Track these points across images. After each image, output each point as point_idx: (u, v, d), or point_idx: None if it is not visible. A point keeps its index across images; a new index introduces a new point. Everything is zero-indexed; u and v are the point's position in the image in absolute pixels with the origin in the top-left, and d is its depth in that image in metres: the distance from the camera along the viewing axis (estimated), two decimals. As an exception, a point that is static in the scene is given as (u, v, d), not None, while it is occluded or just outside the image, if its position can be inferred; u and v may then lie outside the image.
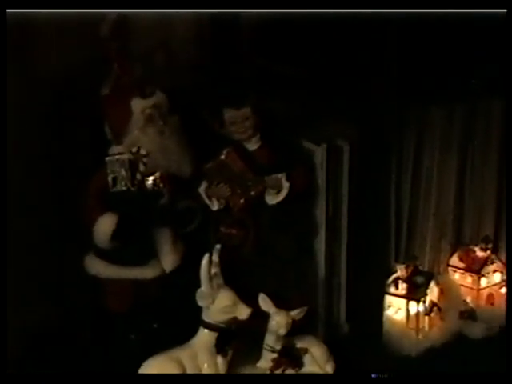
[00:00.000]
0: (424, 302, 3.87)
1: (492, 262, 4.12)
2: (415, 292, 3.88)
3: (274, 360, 3.30)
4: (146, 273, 3.47)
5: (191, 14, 3.85)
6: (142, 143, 3.40)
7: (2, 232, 2.97)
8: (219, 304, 3.16)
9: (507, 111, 3.41)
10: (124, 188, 3.37)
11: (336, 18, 3.51)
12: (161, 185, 3.40)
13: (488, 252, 4.13)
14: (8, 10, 3.01)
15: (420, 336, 3.86)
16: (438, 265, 4.17)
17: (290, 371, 3.31)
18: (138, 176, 3.39)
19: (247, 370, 3.29)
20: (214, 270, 3.17)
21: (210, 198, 3.52)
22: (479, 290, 4.10)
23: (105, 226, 3.34)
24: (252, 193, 3.51)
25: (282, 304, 3.31)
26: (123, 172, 3.36)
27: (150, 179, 3.40)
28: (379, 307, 3.82)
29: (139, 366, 3.16)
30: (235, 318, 3.17)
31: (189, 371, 3.16)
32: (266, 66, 3.90)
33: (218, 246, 3.22)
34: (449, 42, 3.84)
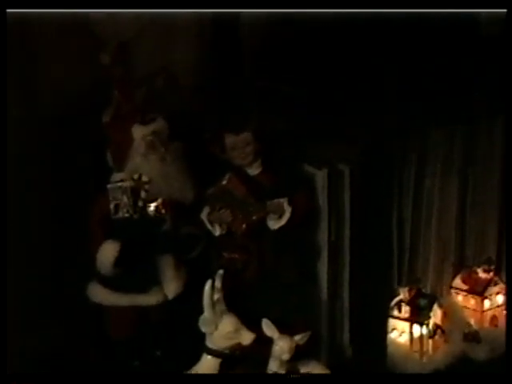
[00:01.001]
0: (427, 324, 3.86)
1: (495, 284, 4.12)
2: (418, 315, 3.87)
3: (278, 385, 3.29)
4: (149, 300, 3.46)
5: (191, 39, 3.87)
6: (143, 170, 3.42)
7: (3, 257, 2.97)
8: (222, 330, 3.16)
9: (507, 113, 3.41)
10: (126, 215, 3.38)
11: (338, 40, 3.54)
12: (163, 211, 3.41)
13: (491, 274, 4.12)
14: (8, 10, 3.02)
15: (424, 359, 3.85)
16: (441, 287, 4.16)
17: (294, 396, 3.30)
18: (140, 203, 3.40)
19: (251, 396, 3.28)
20: (216, 296, 3.17)
21: (212, 223, 3.52)
22: (483, 311, 4.09)
23: (107, 253, 3.35)
24: (254, 217, 3.51)
25: (285, 329, 3.30)
26: (125, 199, 3.37)
27: (152, 206, 3.41)
28: (383, 330, 3.82)
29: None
30: (239, 344, 3.17)
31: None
32: (266, 89, 3.92)
33: (221, 272, 3.22)
34: (450, 60, 3.85)
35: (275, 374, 3.24)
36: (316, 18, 3.41)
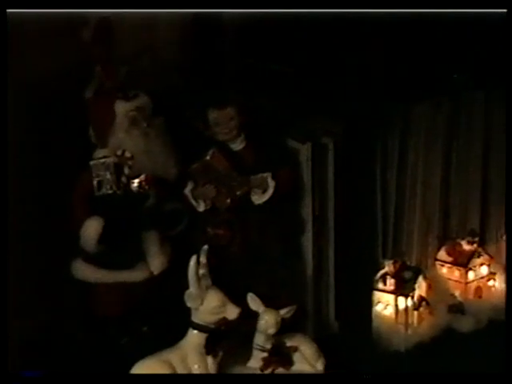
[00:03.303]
0: (412, 297, 3.88)
1: (479, 255, 4.14)
2: (403, 287, 3.89)
3: (264, 359, 3.30)
4: (134, 276, 3.46)
5: (174, 15, 3.84)
6: (126, 146, 3.40)
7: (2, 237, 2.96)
8: (208, 305, 3.16)
9: (507, 110, 3.42)
10: (110, 191, 3.38)
11: (321, 15, 3.52)
12: (146, 187, 3.41)
13: (475, 245, 4.15)
14: (8, 10, 3.00)
15: (409, 331, 3.87)
16: (426, 259, 4.19)
17: (280, 370, 3.32)
18: (124, 179, 3.39)
19: (237, 370, 3.30)
20: (201, 271, 3.17)
21: (196, 199, 3.52)
22: (467, 283, 4.11)
23: (91, 229, 3.34)
24: (238, 193, 3.51)
25: (270, 303, 3.31)
26: (108, 175, 3.36)
27: (136, 182, 3.40)
28: (368, 303, 3.84)
29: (130, 368, 3.16)
30: (224, 319, 3.17)
31: (179, 373, 3.16)
32: (250, 65, 3.90)
33: (206, 247, 3.22)
34: (434, 39, 3.85)
35: (275, 374, 3.25)
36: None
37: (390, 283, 3.91)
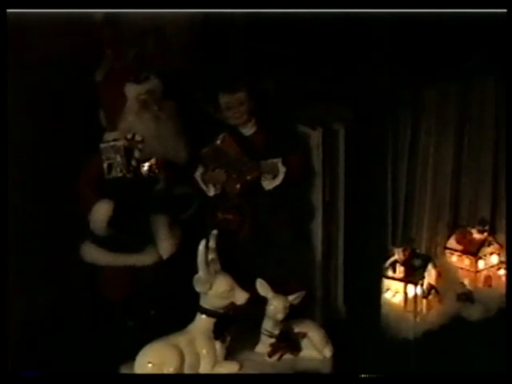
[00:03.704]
0: (422, 284, 3.87)
1: (489, 244, 4.12)
2: (413, 275, 3.88)
3: (272, 345, 3.30)
4: (143, 259, 3.46)
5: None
6: (137, 129, 3.39)
7: (3, 222, 2.96)
8: (217, 289, 3.16)
9: (507, 109, 3.40)
10: (120, 174, 3.37)
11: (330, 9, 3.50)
12: (156, 171, 3.40)
13: (485, 234, 4.13)
14: (8, 10, 2.99)
15: (418, 319, 3.86)
16: (436, 247, 4.17)
17: (288, 356, 3.31)
18: (134, 162, 3.38)
19: (245, 355, 3.29)
20: (211, 256, 3.17)
21: (206, 183, 3.52)
22: (477, 272, 4.10)
23: (101, 212, 3.34)
24: (248, 177, 3.50)
25: (279, 289, 3.31)
26: (118, 158, 3.35)
27: (146, 165, 3.39)
28: (377, 291, 3.83)
29: (137, 352, 3.16)
30: (233, 304, 3.17)
31: (187, 357, 3.16)
32: (261, 49, 3.88)
33: (215, 232, 3.22)
34: (445, 29, 3.83)
35: (275, 375, 3.25)
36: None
37: (400, 271, 3.90)
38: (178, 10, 3.44)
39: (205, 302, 3.19)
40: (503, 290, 4.04)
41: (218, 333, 3.19)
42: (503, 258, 4.15)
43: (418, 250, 3.99)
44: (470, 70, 3.96)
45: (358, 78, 3.64)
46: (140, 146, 3.37)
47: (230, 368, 3.21)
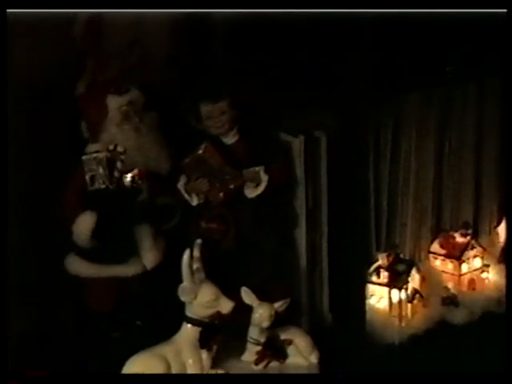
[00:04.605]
0: (406, 289, 3.89)
1: (472, 248, 4.15)
2: (397, 280, 3.90)
3: (258, 352, 3.30)
4: (128, 270, 3.46)
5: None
6: (118, 140, 3.40)
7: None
8: (202, 299, 3.16)
9: (507, 109, 3.42)
10: (102, 186, 3.37)
11: (312, 10, 3.51)
12: (139, 182, 3.40)
13: (468, 238, 4.15)
14: (8, 10, 2.98)
15: (403, 323, 3.88)
16: (419, 252, 4.19)
17: (274, 363, 3.32)
18: (116, 174, 3.38)
19: (231, 363, 3.29)
20: (195, 265, 3.17)
21: (189, 193, 3.52)
22: (460, 275, 4.12)
23: (84, 224, 3.34)
24: (231, 186, 3.51)
25: (264, 296, 3.31)
26: (101, 170, 3.35)
27: (128, 176, 3.39)
28: (362, 296, 3.84)
29: (123, 363, 3.15)
30: (218, 312, 3.17)
31: (173, 367, 3.16)
32: (241, 58, 3.90)
33: (199, 241, 3.22)
34: (431, 37, 3.86)
35: (274, 374, 3.25)
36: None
37: (384, 276, 3.92)
38: (160, 11, 3.45)
39: (190, 312, 3.19)
40: (487, 293, 4.09)
41: (203, 342, 3.19)
42: (486, 262, 4.19)
43: (401, 255, 4.01)
44: (451, 76, 3.98)
45: (338, 85, 3.65)
46: (122, 157, 3.37)
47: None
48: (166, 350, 3.18)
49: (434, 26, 3.78)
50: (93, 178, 3.36)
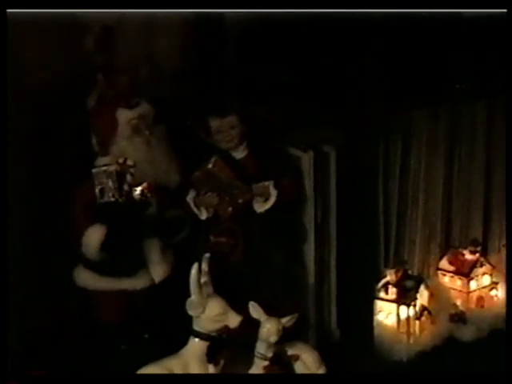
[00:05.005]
0: (414, 306, 3.88)
1: (481, 265, 4.14)
2: (405, 296, 3.89)
3: (265, 368, 3.29)
4: (136, 283, 3.46)
5: (175, 24, 3.85)
6: (128, 154, 3.41)
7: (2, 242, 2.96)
8: (210, 313, 3.15)
9: (508, 112, 3.42)
10: (112, 199, 3.37)
11: (321, 23, 3.53)
12: (148, 195, 3.40)
13: (477, 255, 4.14)
14: (8, 10, 3.00)
15: (411, 340, 3.87)
16: (428, 268, 4.18)
17: (281, 378, 3.31)
18: (126, 187, 3.39)
19: (239, 378, 3.29)
20: (203, 279, 3.17)
21: (198, 206, 3.52)
22: (469, 292, 4.11)
23: (93, 237, 3.34)
24: (240, 201, 3.51)
25: (272, 311, 3.30)
26: (110, 183, 3.36)
27: (138, 189, 3.40)
28: (370, 312, 3.83)
29: (131, 376, 3.16)
30: (226, 327, 3.17)
31: (181, 381, 3.16)
32: (251, 73, 3.91)
33: (208, 255, 3.22)
34: (435, 46, 3.85)
35: (274, 375, 3.25)
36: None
37: (392, 292, 3.91)
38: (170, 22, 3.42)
39: (198, 326, 3.19)
40: (495, 310, 4.07)
41: (211, 356, 3.19)
42: (495, 279, 4.17)
43: (410, 272, 4.00)
44: (460, 93, 3.99)
45: (348, 100, 3.65)
46: (132, 170, 3.38)
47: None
48: (173, 363, 3.17)
49: (438, 31, 3.79)
50: (102, 191, 3.37)
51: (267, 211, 3.51)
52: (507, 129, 3.53)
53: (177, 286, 3.33)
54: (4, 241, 2.98)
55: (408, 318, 3.87)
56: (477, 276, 4.12)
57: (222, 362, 3.21)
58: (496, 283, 4.17)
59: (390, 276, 3.92)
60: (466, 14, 3.25)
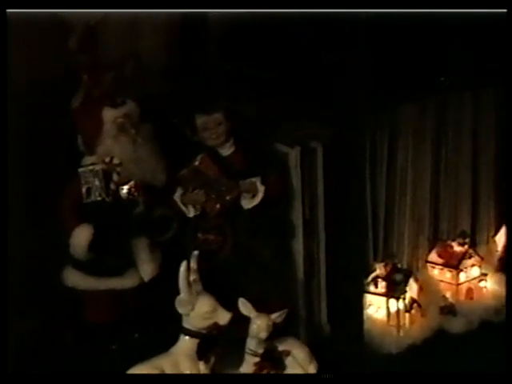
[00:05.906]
0: (404, 299, 3.88)
1: (470, 257, 4.14)
2: (395, 290, 3.89)
3: (256, 364, 3.29)
4: (125, 283, 3.46)
5: (159, 21, 3.84)
6: (114, 153, 3.40)
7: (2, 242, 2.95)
8: (199, 310, 3.16)
9: (508, 111, 3.43)
10: (98, 198, 3.38)
11: (306, 17, 3.52)
12: (135, 194, 3.40)
13: (465, 247, 4.14)
14: (8, 10, 2.99)
15: (401, 333, 3.87)
16: (417, 261, 4.18)
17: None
18: (112, 186, 3.39)
19: (230, 375, 3.29)
20: (192, 277, 3.16)
21: (185, 204, 3.52)
22: (458, 284, 4.11)
23: (81, 237, 3.34)
24: (227, 198, 3.51)
25: (262, 307, 3.30)
26: (97, 182, 3.36)
27: (125, 188, 3.40)
28: (359, 306, 3.83)
29: (121, 376, 3.15)
30: (216, 324, 3.17)
31: (171, 379, 3.16)
32: (236, 69, 3.91)
33: (196, 253, 3.21)
34: (421, 39, 3.86)
35: (273, 375, 3.25)
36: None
37: (381, 286, 3.91)
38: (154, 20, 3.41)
39: (188, 323, 3.19)
40: (485, 302, 4.08)
41: (201, 353, 3.19)
42: (484, 271, 4.18)
43: (399, 265, 4.00)
44: (446, 86, 3.99)
45: (334, 95, 3.65)
46: (118, 169, 3.38)
47: (214, 388, 3.21)
48: (163, 362, 3.17)
49: (433, 30, 3.79)
50: (89, 191, 3.37)
51: (255, 207, 3.51)
52: (507, 129, 3.53)
53: (166, 284, 3.33)
54: (4, 241, 2.96)
55: (398, 311, 3.87)
56: (466, 268, 4.13)
57: (212, 359, 3.22)
58: (485, 275, 4.18)
59: (379, 270, 3.93)
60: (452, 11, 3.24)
